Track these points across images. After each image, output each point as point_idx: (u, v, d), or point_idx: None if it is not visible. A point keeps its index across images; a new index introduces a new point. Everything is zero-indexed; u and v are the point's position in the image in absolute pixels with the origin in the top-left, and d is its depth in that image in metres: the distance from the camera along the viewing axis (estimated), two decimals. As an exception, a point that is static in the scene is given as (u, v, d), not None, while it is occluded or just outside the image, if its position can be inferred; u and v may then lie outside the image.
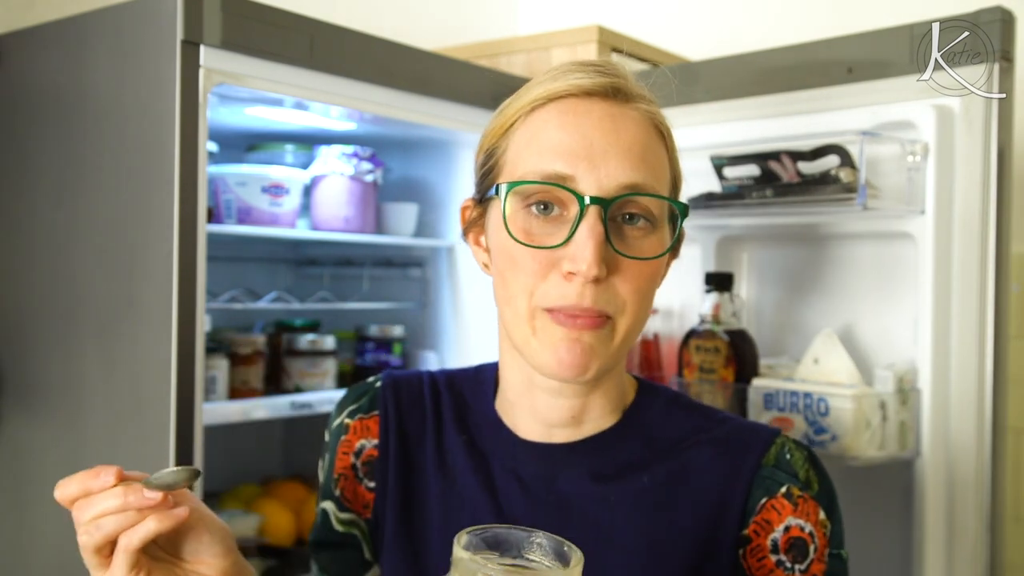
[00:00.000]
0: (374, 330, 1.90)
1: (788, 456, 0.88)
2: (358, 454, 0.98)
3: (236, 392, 1.65)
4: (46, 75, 1.46)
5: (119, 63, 1.35)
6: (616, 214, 0.83)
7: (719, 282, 1.45)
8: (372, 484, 0.97)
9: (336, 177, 1.74)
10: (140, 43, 1.32)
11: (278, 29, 1.37)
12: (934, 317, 1.31)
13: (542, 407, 0.89)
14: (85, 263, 1.39)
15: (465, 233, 0.94)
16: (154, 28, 1.29)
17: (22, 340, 1.50)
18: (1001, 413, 1.31)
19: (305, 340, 1.76)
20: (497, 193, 0.85)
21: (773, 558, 0.86)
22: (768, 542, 0.86)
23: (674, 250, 0.91)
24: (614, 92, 0.85)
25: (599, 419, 0.91)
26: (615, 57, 1.93)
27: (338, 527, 0.98)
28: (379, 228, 1.86)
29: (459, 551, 0.63)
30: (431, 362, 1.92)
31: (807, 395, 1.31)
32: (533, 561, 0.64)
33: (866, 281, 1.45)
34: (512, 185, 0.83)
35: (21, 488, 1.50)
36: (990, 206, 1.29)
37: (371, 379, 1.01)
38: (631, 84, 0.87)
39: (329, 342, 1.79)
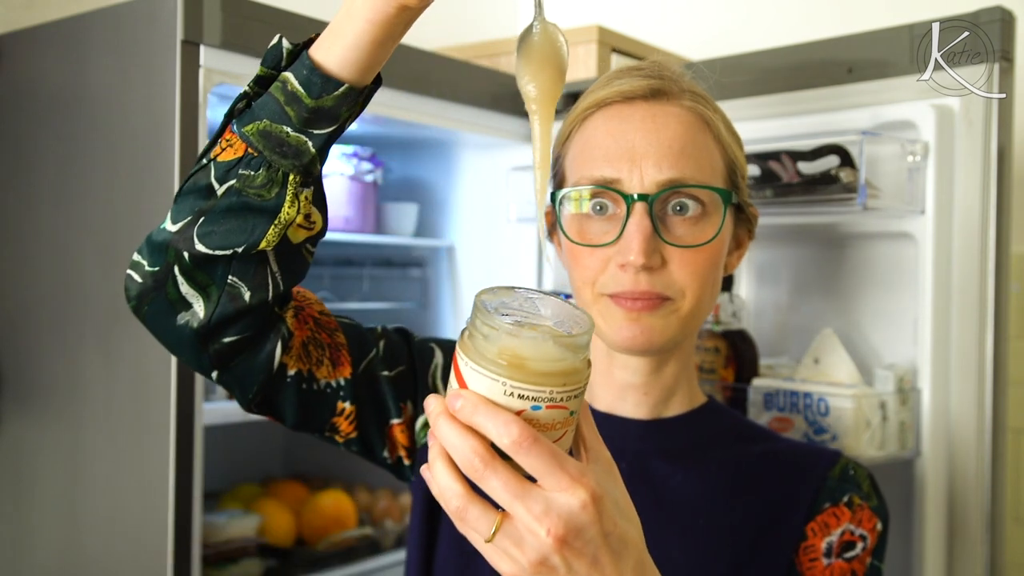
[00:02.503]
0: (374, 330, 1.90)
1: (852, 472, 0.95)
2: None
3: (236, 392, 1.65)
4: (46, 75, 1.46)
5: (119, 63, 1.35)
6: (664, 207, 0.89)
7: (719, 282, 1.45)
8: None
9: (336, 177, 1.74)
10: (140, 43, 1.32)
11: (278, 29, 1.36)
12: (934, 317, 1.31)
13: (620, 371, 0.97)
14: (85, 263, 1.39)
15: (550, 235, 1.02)
16: (154, 28, 1.29)
17: (22, 340, 1.50)
18: (1001, 413, 1.31)
19: (305, 340, 1.76)
20: (553, 201, 0.95)
21: (825, 562, 0.90)
22: (823, 544, 0.91)
23: (748, 232, 0.99)
24: (655, 93, 0.92)
25: (667, 398, 0.97)
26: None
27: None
28: (379, 228, 1.86)
29: (479, 297, 0.64)
30: (431, 362, 1.92)
31: (807, 395, 1.31)
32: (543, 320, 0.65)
33: (866, 281, 1.45)
34: (561, 193, 0.94)
35: (21, 488, 1.50)
36: (990, 206, 1.29)
37: None
38: (674, 83, 0.93)
39: (329, 342, 1.78)
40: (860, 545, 0.91)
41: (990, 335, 1.30)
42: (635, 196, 0.88)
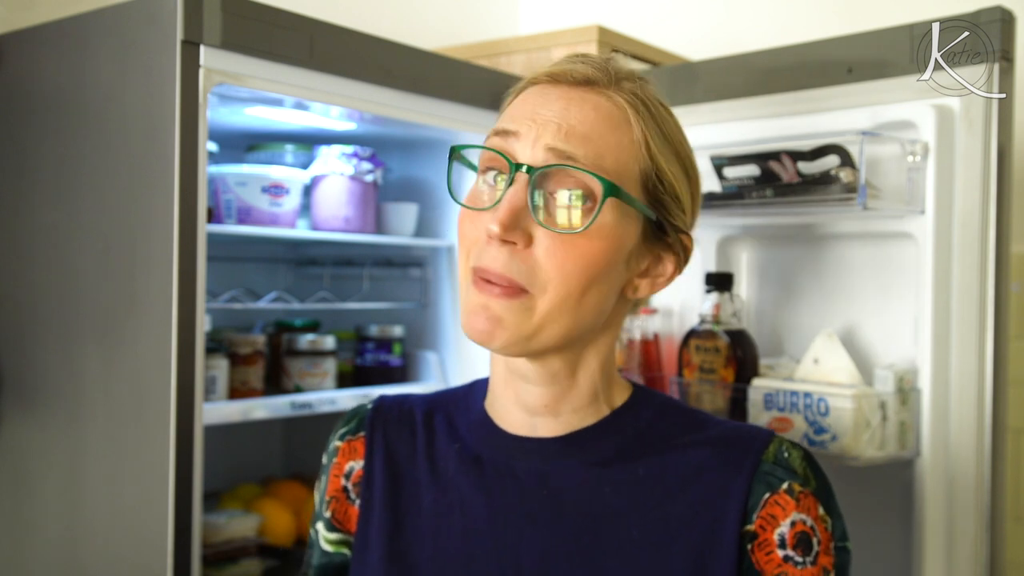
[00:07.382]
0: (374, 330, 1.90)
1: (786, 455, 0.90)
2: (347, 476, 1.01)
3: (236, 392, 1.65)
4: (46, 75, 1.46)
5: (119, 63, 1.35)
6: (555, 189, 0.84)
7: (719, 282, 1.45)
8: (359, 503, 0.99)
9: (336, 177, 1.74)
10: (140, 43, 1.32)
11: (278, 29, 1.37)
12: (934, 317, 1.31)
13: (522, 394, 0.92)
14: (85, 263, 1.39)
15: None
16: (154, 28, 1.29)
17: (22, 340, 1.50)
18: (1001, 413, 1.31)
19: (305, 340, 1.76)
20: (451, 157, 0.90)
21: (780, 553, 0.87)
22: (775, 536, 0.87)
23: (677, 262, 0.93)
24: (585, 81, 0.87)
25: (582, 413, 0.92)
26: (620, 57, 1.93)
27: (327, 547, 1.00)
28: (379, 228, 1.86)
29: None
30: (431, 362, 1.92)
31: (807, 395, 1.31)
32: None
33: (866, 281, 1.45)
34: (456, 148, 0.90)
35: (21, 488, 1.50)
36: (990, 206, 1.29)
37: (364, 403, 1.04)
38: (611, 76, 0.88)
39: (329, 342, 1.79)
40: (815, 539, 0.87)
41: (990, 335, 1.30)
42: (522, 167, 0.83)
